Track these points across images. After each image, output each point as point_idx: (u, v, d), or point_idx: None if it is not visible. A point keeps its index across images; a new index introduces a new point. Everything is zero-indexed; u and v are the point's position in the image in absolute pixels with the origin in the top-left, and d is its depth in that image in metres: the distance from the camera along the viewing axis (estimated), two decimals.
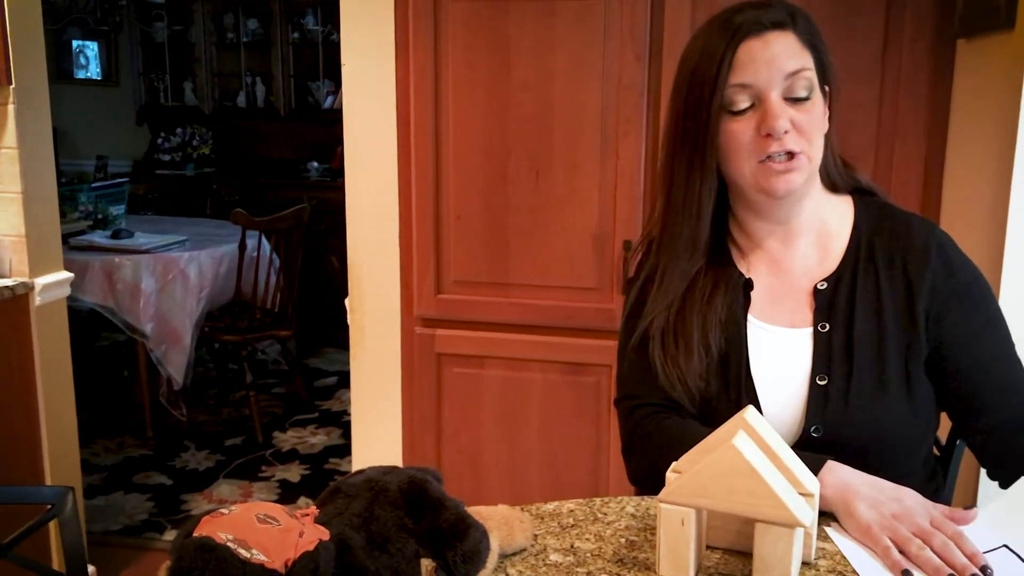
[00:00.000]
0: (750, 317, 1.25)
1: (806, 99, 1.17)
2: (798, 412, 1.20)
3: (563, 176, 2.21)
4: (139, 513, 3.28)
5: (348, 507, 0.85)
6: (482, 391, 2.36)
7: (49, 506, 1.35)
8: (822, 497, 1.01)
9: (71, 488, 1.35)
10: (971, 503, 1.74)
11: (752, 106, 1.17)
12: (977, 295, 1.21)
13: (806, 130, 1.16)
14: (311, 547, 0.76)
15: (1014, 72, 1.63)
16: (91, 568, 2.73)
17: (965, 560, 0.91)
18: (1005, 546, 0.97)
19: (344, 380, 4.68)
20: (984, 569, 0.90)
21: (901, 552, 0.94)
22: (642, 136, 2.15)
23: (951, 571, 0.91)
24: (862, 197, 1.31)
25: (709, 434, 0.99)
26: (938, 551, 0.93)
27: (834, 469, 1.04)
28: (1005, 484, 1.16)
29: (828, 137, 1.26)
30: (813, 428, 1.17)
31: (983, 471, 1.70)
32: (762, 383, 1.22)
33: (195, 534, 0.75)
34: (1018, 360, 1.22)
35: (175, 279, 3.85)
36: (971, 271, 1.23)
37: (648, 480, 1.21)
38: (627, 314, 1.35)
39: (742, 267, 1.28)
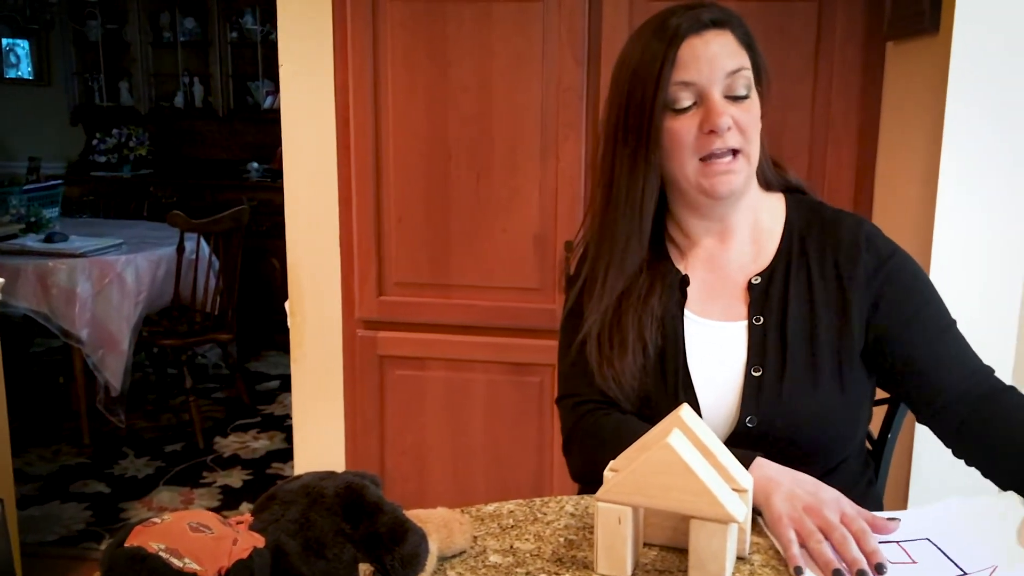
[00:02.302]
0: (687, 312, 1.27)
1: (745, 98, 1.20)
2: (734, 403, 1.22)
3: (504, 177, 2.22)
4: (76, 523, 3.21)
5: (284, 514, 0.84)
6: (425, 393, 2.35)
7: None
8: None
9: (0, 499, 1.32)
10: (903, 503, 1.79)
11: (695, 104, 1.19)
12: (909, 278, 1.24)
13: (746, 128, 1.19)
14: (245, 555, 0.75)
15: (939, 74, 1.68)
16: None
17: (856, 555, 0.92)
18: (927, 539, 0.99)
19: (287, 384, 4.63)
20: (879, 567, 0.91)
21: (804, 545, 0.96)
22: (582, 138, 2.16)
23: (838, 567, 0.91)
24: (793, 195, 1.34)
25: (647, 429, 1.00)
26: (836, 544, 0.94)
27: (761, 465, 1.06)
28: (967, 463, 1.17)
29: (760, 136, 1.29)
30: (748, 418, 1.20)
31: (914, 468, 1.76)
32: (699, 376, 1.24)
33: (126, 544, 0.73)
34: (959, 333, 1.24)
35: (112, 283, 3.77)
36: (900, 256, 1.26)
37: (588, 476, 1.22)
38: (567, 313, 1.36)
39: (680, 265, 1.30)
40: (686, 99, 1.19)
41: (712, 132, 1.17)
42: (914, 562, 0.95)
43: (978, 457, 1.15)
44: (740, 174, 1.20)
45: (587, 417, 1.26)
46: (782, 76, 2.07)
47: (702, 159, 1.19)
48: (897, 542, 0.98)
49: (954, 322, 1.25)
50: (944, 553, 0.96)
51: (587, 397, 1.28)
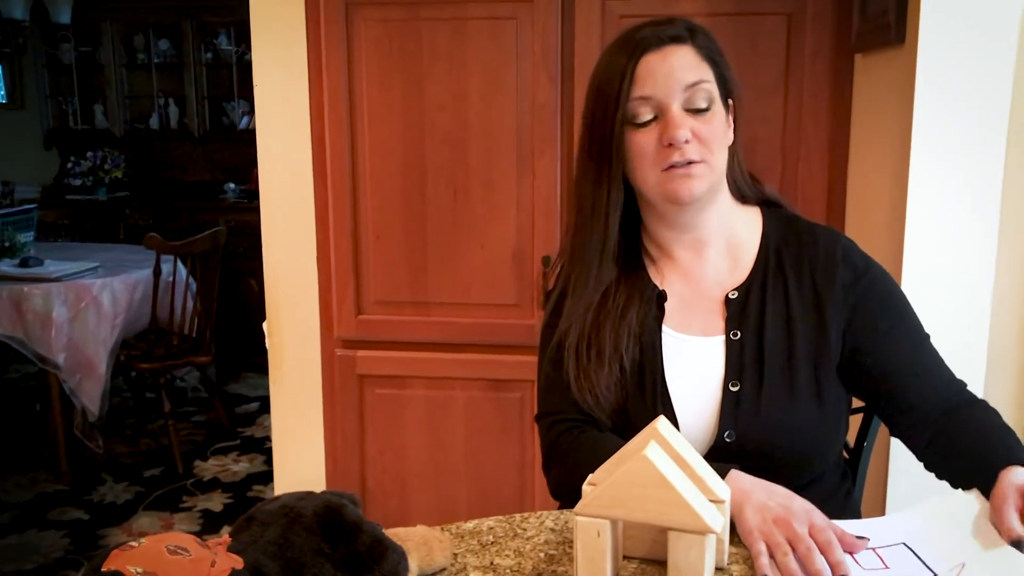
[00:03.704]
0: (664, 327, 1.28)
1: (706, 110, 1.21)
2: (712, 418, 1.23)
3: (481, 194, 2.22)
4: (55, 551, 3.17)
5: (263, 535, 0.83)
6: (405, 411, 2.35)
7: None
8: None
9: None
10: (881, 512, 1.80)
11: (655, 118, 1.21)
12: (884, 293, 1.26)
13: (707, 140, 1.20)
14: None
15: (906, 85, 1.70)
16: None
17: (820, 567, 0.93)
18: (903, 544, 1.00)
19: (266, 406, 4.59)
20: None
21: (772, 557, 0.97)
22: (557, 154, 2.17)
23: None
24: (770, 208, 1.35)
25: (624, 446, 1.00)
26: (801, 557, 0.95)
27: (735, 477, 1.07)
28: (941, 475, 1.18)
29: (734, 149, 1.30)
30: (726, 433, 1.20)
31: (891, 476, 1.77)
32: (677, 392, 1.24)
33: (103, 568, 0.73)
34: (932, 347, 1.25)
35: (88, 307, 3.74)
36: (876, 271, 1.28)
37: (567, 494, 1.23)
38: (544, 328, 1.37)
39: (656, 279, 1.31)
40: (646, 113, 1.21)
41: (671, 145, 1.19)
42: (887, 567, 0.96)
43: (948, 470, 1.17)
44: (702, 179, 1.21)
45: (565, 435, 1.27)
46: (753, 91, 2.09)
47: (664, 170, 1.21)
48: (873, 549, 1.00)
49: (928, 336, 1.26)
50: (918, 556, 0.98)
51: (565, 415, 1.28)
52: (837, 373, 1.24)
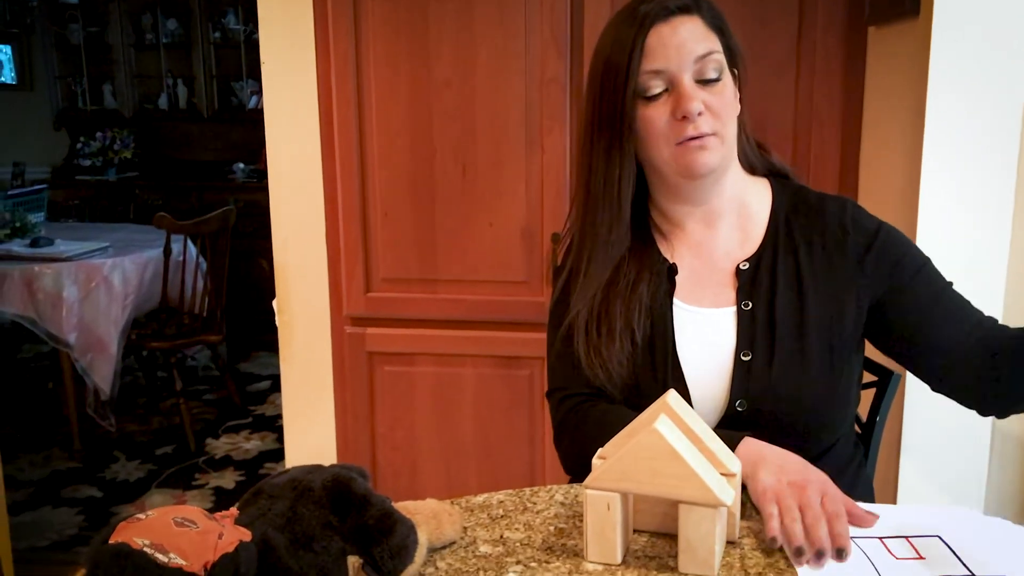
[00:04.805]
0: (675, 300, 1.27)
1: (716, 81, 1.20)
2: (724, 388, 1.22)
3: (489, 171, 2.21)
4: (68, 528, 3.20)
5: (271, 508, 0.83)
6: (415, 388, 2.35)
7: None
8: None
9: None
10: (893, 486, 1.79)
11: (666, 91, 1.19)
12: (899, 249, 1.25)
13: (718, 111, 1.19)
14: (231, 548, 0.75)
15: (920, 57, 1.68)
16: None
17: (822, 536, 0.93)
18: (938, 536, 0.98)
19: (277, 384, 4.59)
20: (840, 552, 0.92)
21: (779, 519, 0.96)
22: (566, 130, 2.16)
23: (800, 544, 0.92)
24: (778, 179, 1.34)
25: (635, 418, 1.00)
26: (807, 524, 0.95)
27: (750, 442, 1.07)
28: (1001, 414, 1.16)
29: (741, 119, 1.29)
30: (738, 402, 1.20)
31: (904, 451, 1.76)
32: (688, 363, 1.24)
33: (111, 541, 0.73)
34: (956, 293, 1.24)
35: (98, 287, 3.75)
36: (886, 229, 1.26)
37: (579, 467, 1.23)
38: (553, 305, 1.36)
39: (666, 252, 1.30)
40: (657, 87, 1.19)
41: (684, 118, 1.18)
42: (921, 557, 0.94)
43: (1007, 401, 1.13)
44: (715, 152, 1.20)
45: (575, 409, 1.27)
46: (764, 67, 2.07)
47: (677, 144, 1.20)
48: (906, 537, 0.98)
49: (950, 283, 1.25)
50: (954, 552, 0.95)
51: (575, 390, 1.28)
52: (866, 338, 1.24)
